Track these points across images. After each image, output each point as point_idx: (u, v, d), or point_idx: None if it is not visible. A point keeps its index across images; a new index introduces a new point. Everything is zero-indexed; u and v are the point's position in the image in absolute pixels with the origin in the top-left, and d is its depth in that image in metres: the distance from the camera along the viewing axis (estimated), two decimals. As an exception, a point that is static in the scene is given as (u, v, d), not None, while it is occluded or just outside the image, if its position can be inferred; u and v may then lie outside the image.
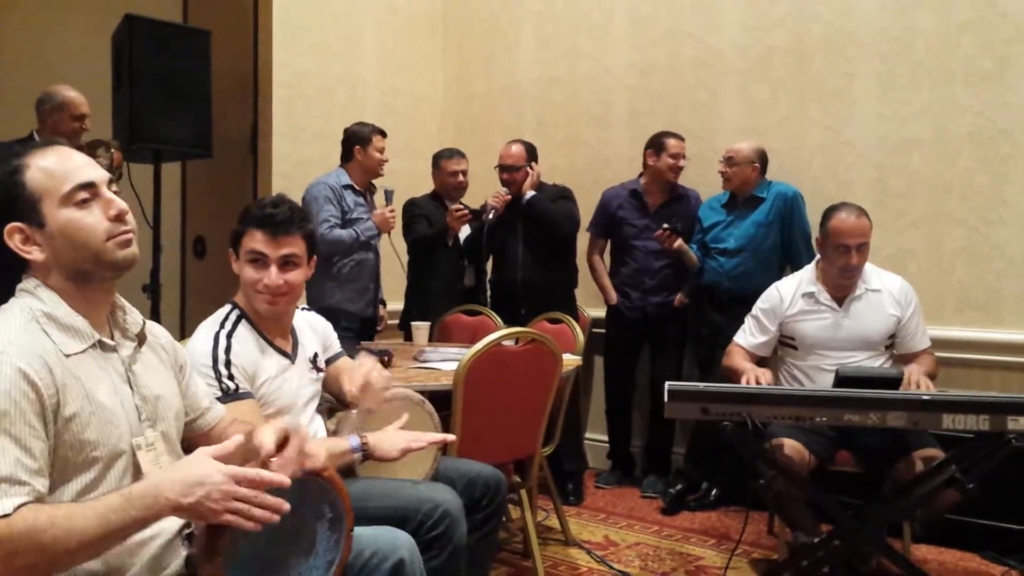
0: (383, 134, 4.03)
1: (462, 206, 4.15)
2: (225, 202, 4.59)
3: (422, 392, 2.38)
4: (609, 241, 4.40)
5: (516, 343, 2.96)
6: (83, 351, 1.42)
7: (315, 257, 2.22)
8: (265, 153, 4.59)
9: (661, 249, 4.05)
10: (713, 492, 3.99)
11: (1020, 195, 3.54)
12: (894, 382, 2.64)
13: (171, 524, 1.51)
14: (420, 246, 4.22)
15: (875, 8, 3.87)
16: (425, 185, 4.47)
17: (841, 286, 3.04)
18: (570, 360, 3.21)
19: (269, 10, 4.53)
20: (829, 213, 3.03)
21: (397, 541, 1.77)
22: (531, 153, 4.22)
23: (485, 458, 2.49)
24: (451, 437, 2.20)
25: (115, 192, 1.50)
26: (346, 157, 4.03)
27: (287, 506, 1.34)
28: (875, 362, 3.04)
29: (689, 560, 3.31)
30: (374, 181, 4.08)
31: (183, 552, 1.53)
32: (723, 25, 4.34)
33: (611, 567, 3.21)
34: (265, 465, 1.40)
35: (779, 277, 3.61)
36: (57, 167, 1.43)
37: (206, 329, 2.12)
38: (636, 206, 4.23)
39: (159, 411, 1.54)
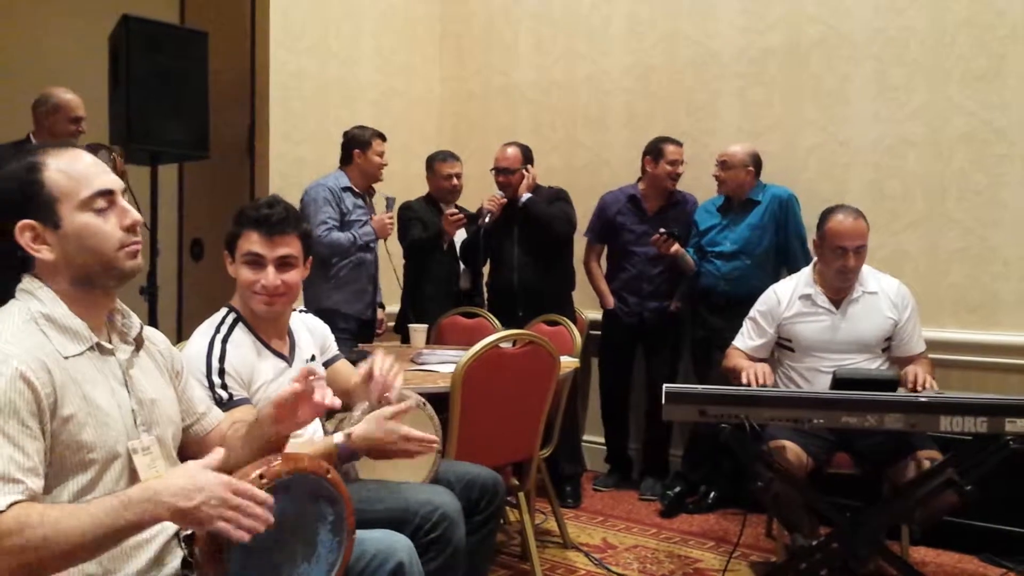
0: (383, 138, 4.03)
1: (457, 210, 4.14)
2: (222, 204, 4.58)
3: (420, 395, 2.38)
4: (606, 246, 4.40)
5: (514, 345, 2.96)
6: (81, 353, 1.42)
7: (311, 258, 2.21)
8: (262, 154, 4.58)
9: (659, 255, 4.05)
10: (711, 494, 3.99)
11: (1016, 196, 3.55)
12: (891, 384, 2.64)
13: (169, 526, 1.51)
14: (416, 249, 4.21)
15: (870, 9, 3.88)
16: (421, 187, 4.47)
17: (838, 288, 3.05)
18: (568, 362, 3.21)
19: (266, 11, 4.53)
20: (826, 215, 3.03)
21: (396, 544, 1.76)
22: (527, 155, 4.22)
23: (483, 461, 2.49)
24: (433, 438, 2.14)
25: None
26: (345, 160, 4.03)
27: (271, 520, 1.34)
28: (872, 364, 3.04)
29: (687, 563, 3.31)
30: (375, 186, 4.08)
31: (180, 553, 1.53)
32: (720, 28, 4.34)
33: (609, 570, 3.21)
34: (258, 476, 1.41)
35: (775, 279, 3.61)
36: (77, 170, 1.43)
37: (201, 334, 2.11)
38: (634, 211, 4.23)
39: (155, 416, 1.54)
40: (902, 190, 3.81)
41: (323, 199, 3.86)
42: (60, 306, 1.43)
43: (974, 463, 2.42)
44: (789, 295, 3.12)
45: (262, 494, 1.34)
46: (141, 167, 3.88)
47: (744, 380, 2.84)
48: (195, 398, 1.76)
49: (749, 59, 4.25)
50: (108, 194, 1.45)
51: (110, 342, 1.50)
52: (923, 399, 2.44)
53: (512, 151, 4.20)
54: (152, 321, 3.70)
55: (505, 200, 4.15)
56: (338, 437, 1.97)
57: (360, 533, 1.66)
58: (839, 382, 2.65)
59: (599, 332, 4.43)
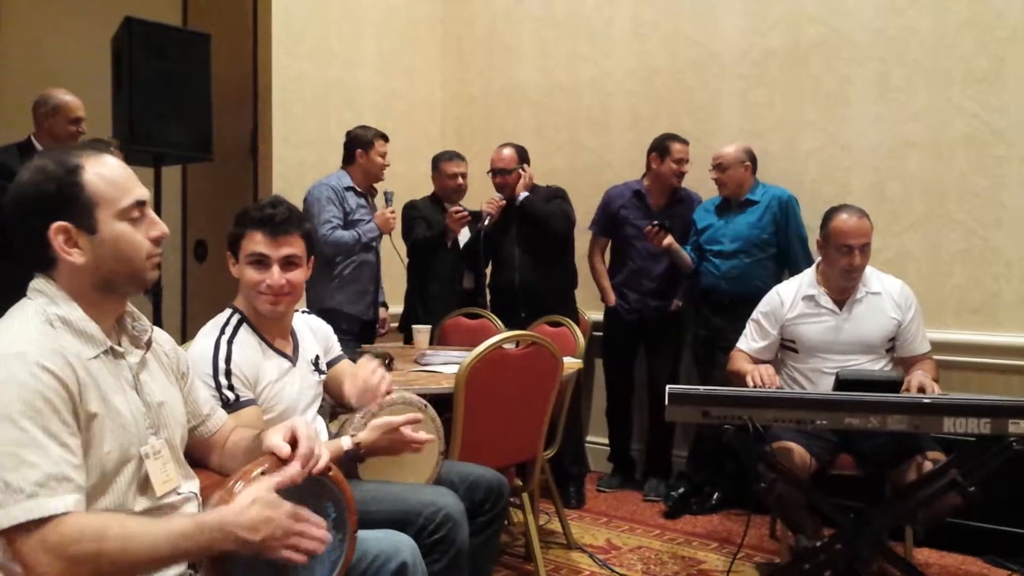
0: (385, 139, 4.04)
1: (461, 208, 4.15)
2: (226, 205, 4.57)
3: (423, 395, 2.38)
4: (610, 241, 4.40)
5: (517, 346, 2.96)
6: (95, 357, 1.42)
7: (313, 257, 2.22)
8: (265, 156, 4.59)
9: (661, 251, 4.05)
10: (715, 496, 3.98)
11: (1017, 198, 3.55)
12: (895, 385, 2.64)
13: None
14: (419, 248, 4.22)
15: (871, 10, 3.88)
16: (424, 188, 4.47)
17: (842, 289, 3.05)
18: (571, 363, 3.22)
19: (268, 13, 4.53)
20: (830, 215, 3.03)
21: (399, 544, 1.76)
22: (522, 155, 4.22)
23: (487, 461, 2.49)
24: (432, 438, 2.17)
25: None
26: (348, 160, 4.04)
27: (329, 538, 1.41)
28: (875, 365, 3.03)
29: (691, 564, 3.31)
30: (377, 185, 4.09)
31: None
32: (721, 29, 4.34)
33: (613, 571, 3.21)
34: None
35: (776, 279, 3.62)
36: (116, 178, 1.44)
37: (206, 335, 2.11)
38: (639, 206, 4.23)
39: (162, 418, 1.54)
40: (903, 191, 3.81)
41: (326, 198, 3.87)
42: (76, 309, 1.42)
43: (977, 464, 2.41)
44: (792, 296, 3.12)
45: (320, 524, 1.41)
46: (144, 169, 3.88)
47: (749, 383, 2.84)
48: (200, 399, 1.77)
49: (750, 61, 4.25)
50: (142, 204, 1.47)
51: (120, 345, 1.51)
52: (926, 400, 2.43)
53: (507, 152, 4.21)
54: (157, 322, 3.69)
55: (504, 202, 4.16)
56: (346, 443, 1.98)
57: (363, 533, 1.67)
58: (842, 383, 2.65)
59: (601, 333, 4.43)
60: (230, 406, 1.97)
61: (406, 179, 4.84)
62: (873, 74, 3.88)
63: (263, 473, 1.41)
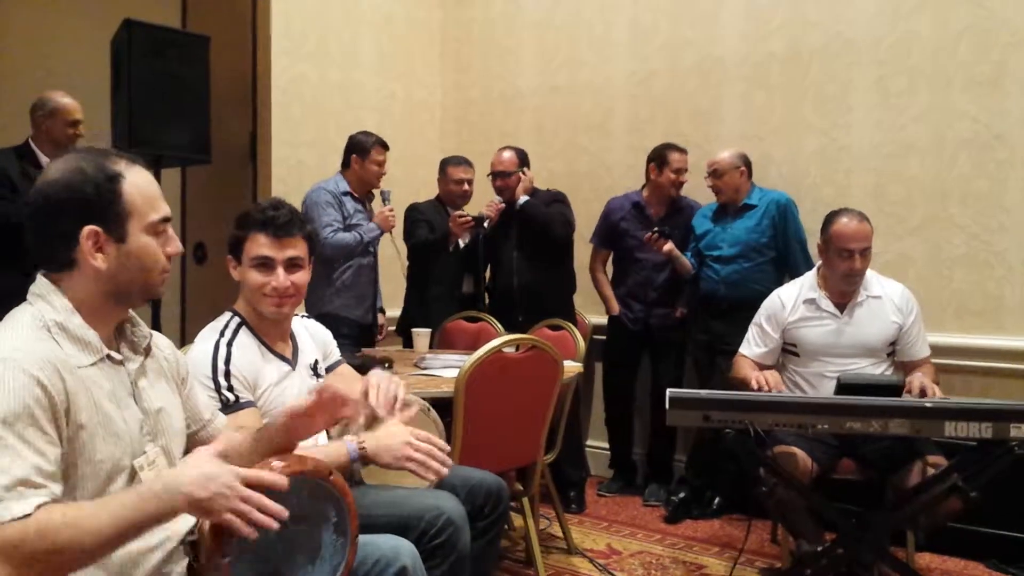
0: (385, 147, 4.03)
1: (465, 213, 4.14)
2: (225, 208, 4.55)
3: (423, 399, 2.37)
4: (612, 252, 4.39)
5: (517, 350, 2.95)
6: (92, 364, 1.41)
7: (313, 259, 2.21)
8: (264, 159, 4.58)
9: (664, 261, 4.04)
10: (716, 500, 3.97)
11: (1019, 201, 3.54)
12: (896, 389, 2.63)
13: (174, 532, 1.50)
14: (421, 251, 4.20)
15: (872, 14, 3.87)
16: (423, 191, 4.47)
17: (843, 292, 3.04)
18: (571, 367, 3.21)
19: (268, 16, 4.53)
20: (831, 218, 3.03)
21: (400, 549, 1.76)
22: (523, 159, 4.22)
23: (487, 466, 2.48)
24: (446, 459, 2.14)
25: None
26: (346, 164, 4.04)
27: (286, 513, 1.35)
28: (876, 369, 3.03)
29: (692, 569, 3.30)
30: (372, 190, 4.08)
31: (185, 560, 1.52)
32: (722, 33, 4.34)
33: None
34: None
35: (775, 283, 3.61)
36: (151, 192, 1.46)
37: (205, 338, 2.11)
38: (638, 217, 4.22)
39: (160, 425, 1.53)
40: (904, 195, 3.81)
41: (325, 202, 3.87)
42: (74, 316, 1.41)
43: (979, 469, 2.41)
44: (793, 300, 3.12)
45: (273, 477, 1.35)
46: (143, 171, 3.86)
47: (754, 385, 2.84)
48: (200, 404, 1.75)
49: (751, 64, 4.25)
50: (167, 221, 1.49)
51: (119, 352, 1.50)
52: (928, 404, 2.43)
53: (508, 155, 4.20)
54: (155, 325, 3.70)
55: (503, 205, 4.15)
56: (351, 447, 1.96)
57: (364, 538, 1.66)
58: (844, 387, 2.64)
59: (604, 337, 4.42)
60: (229, 407, 1.97)
61: (404, 182, 4.84)
62: (874, 78, 3.87)
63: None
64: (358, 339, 3.94)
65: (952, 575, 3.24)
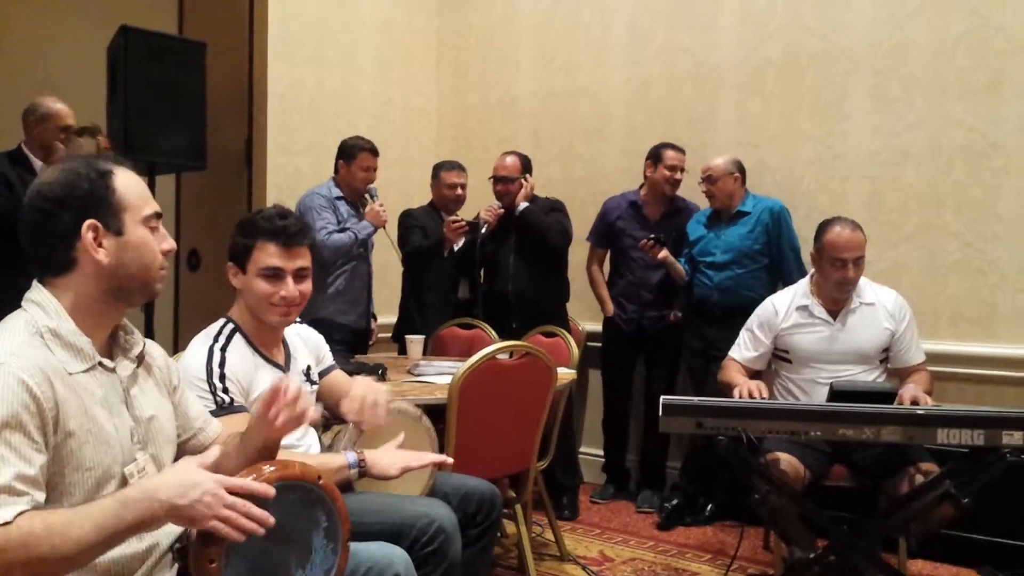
0: (374, 152, 4.03)
1: (459, 218, 4.14)
2: (219, 215, 4.58)
3: (416, 406, 2.37)
4: (609, 251, 4.40)
5: (511, 356, 2.95)
6: (84, 371, 1.42)
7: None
8: (260, 165, 4.58)
9: (659, 262, 4.05)
10: (709, 507, 3.97)
11: (1013, 209, 3.55)
12: (888, 396, 2.64)
13: (164, 539, 1.50)
14: (416, 257, 4.20)
15: (868, 22, 3.89)
16: (419, 196, 4.47)
17: (836, 299, 3.05)
18: (565, 374, 3.21)
19: (265, 22, 4.54)
20: (824, 227, 3.03)
21: (392, 556, 1.75)
22: (526, 165, 4.22)
23: (480, 472, 2.48)
24: (449, 460, 2.18)
25: None
26: (337, 169, 4.05)
27: (272, 520, 1.35)
28: (869, 376, 3.03)
29: (684, 575, 3.30)
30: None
31: (174, 567, 1.52)
32: (718, 39, 4.35)
33: (606, 582, 3.20)
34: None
35: (768, 289, 3.61)
36: (140, 187, 1.51)
37: (200, 343, 2.10)
38: (635, 217, 4.23)
39: (151, 433, 1.53)
40: (900, 203, 3.82)
41: (319, 206, 3.89)
42: (67, 322, 1.42)
43: (971, 476, 2.42)
44: (786, 306, 3.12)
45: (258, 485, 1.36)
46: (138, 177, 3.86)
47: (736, 395, 2.84)
48: (191, 412, 1.75)
49: (747, 71, 4.26)
50: (159, 217, 1.52)
51: (112, 359, 1.50)
52: (920, 411, 2.43)
53: (511, 160, 4.21)
54: (149, 331, 3.70)
55: (502, 210, 4.16)
56: (350, 457, 1.97)
57: (356, 545, 1.66)
58: (836, 394, 2.64)
59: (598, 343, 4.42)
60: (223, 409, 1.96)
61: (401, 187, 4.85)
62: (870, 86, 3.89)
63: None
64: (351, 345, 3.94)
65: (945, 582, 3.25)
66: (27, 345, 1.35)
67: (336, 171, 4.05)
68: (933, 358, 3.22)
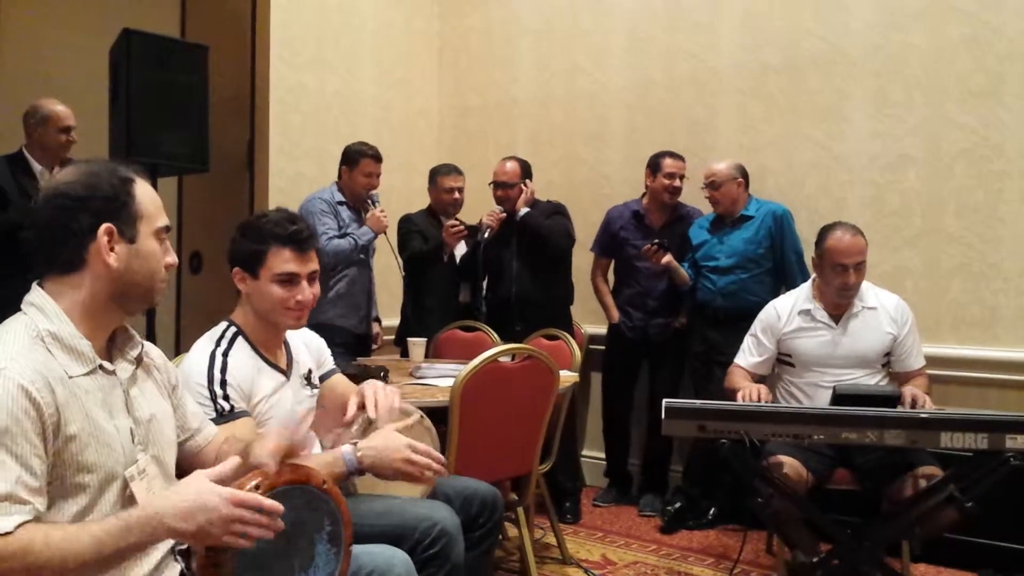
0: (377, 159, 4.03)
1: (457, 222, 4.14)
2: (221, 218, 4.57)
3: (418, 408, 2.37)
4: (613, 261, 4.40)
5: (513, 359, 2.95)
6: (84, 374, 1.41)
7: None
8: (262, 168, 4.58)
9: (663, 270, 4.04)
10: (711, 511, 3.97)
11: (1015, 212, 3.55)
12: (892, 400, 2.63)
13: (166, 542, 1.49)
14: (416, 262, 4.20)
15: (868, 26, 3.89)
16: (420, 200, 4.47)
17: (838, 304, 3.05)
18: (567, 377, 3.20)
19: (267, 25, 4.54)
20: (825, 233, 3.03)
21: (394, 559, 1.75)
22: (525, 170, 4.22)
23: (482, 475, 2.48)
24: (445, 472, 2.14)
25: None
26: (340, 174, 4.05)
27: (283, 525, 1.35)
28: (871, 380, 3.03)
29: (686, 579, 3.30)
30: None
31: (177, 568, 1.52)
32: (719, 43, 4.35)
33: (608, 586, 3.20)
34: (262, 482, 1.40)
35: (772, 294, 3.61)
36: (155, 200, 1.54)
37: (201, 348, 2.10)
38: (638, 226, 4.23)
39: (151, 434, 1.53)
40: (901, 206, 3.82)
41: (320, 211, 3.89)
42: (67, 325, 1.42)
43: (975, 479, 2.41)
44: (789, 310, 3.12)
45: (269, 502, 1.35)
46: (140, 180, 3.86)
47: (739, 398, 2.84)
48: (189, 413, 1.75)
49: (748, 75, 4.26)
50: (168, 230, 1.55)
51: (112, 361, 1.50)
52: (923, 415, 2.43)
53: (511, 165, 4.21)
54: (150, 334, 3.69)
55: (504, 215, 4.16)
56: (346, 450, 1.95)
57: (358, 548, 1.66)
58: (839, 398, 2.64)
59: (602, 347, 4.42)
60: (224, 416, 1.96)
61: (402, 191, 4.85)
62: (871, 89, 3.89)
63: (256, 487, 1.39)
64: (353, 348, 3.93)
65: (948, 586, 3.24)
66: (27, 349, 1.35)
67: (339, 176, 4.05)
68: (935, 361, 3.22)
